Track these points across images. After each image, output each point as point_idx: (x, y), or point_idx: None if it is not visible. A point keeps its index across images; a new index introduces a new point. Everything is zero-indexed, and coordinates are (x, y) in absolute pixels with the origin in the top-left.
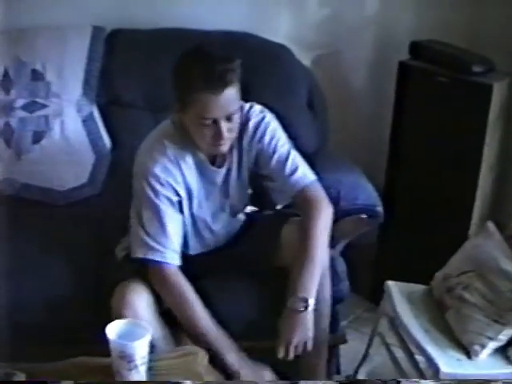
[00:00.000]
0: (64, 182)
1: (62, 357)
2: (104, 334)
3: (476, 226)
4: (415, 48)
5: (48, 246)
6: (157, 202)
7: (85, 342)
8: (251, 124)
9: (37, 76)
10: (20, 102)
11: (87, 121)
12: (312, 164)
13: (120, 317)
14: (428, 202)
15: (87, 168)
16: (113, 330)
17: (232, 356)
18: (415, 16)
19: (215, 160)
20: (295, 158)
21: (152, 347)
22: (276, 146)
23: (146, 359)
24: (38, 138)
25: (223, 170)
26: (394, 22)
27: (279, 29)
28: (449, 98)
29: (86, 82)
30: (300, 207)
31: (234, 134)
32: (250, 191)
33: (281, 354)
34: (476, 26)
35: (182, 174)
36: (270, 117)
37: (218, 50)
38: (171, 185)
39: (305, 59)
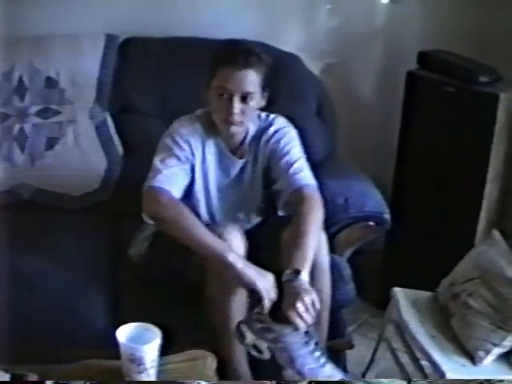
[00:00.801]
0: (77, 187)
1: (74, 359)
2: (115, 337)
3: (482, 233)
4: (423, 58)
5: (62, 250)
6: (174, 148)
7: (97, 344)
8: (273, 128)
9: (51, 83)
10: (34, 109)
11: (100, 127)
12: (320, 171)
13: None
14: (435, 210)
15: (100, 174)
16: (123, 333)
17: (234, 256)
18: (423, 26)
19: (235, 151)
20: (303, 164)
21: (162, 350)
22: (289, 150)
23: (155, 362)
24: (51, 143)
25: (240, 162)
26: (402, 32)
27: (290, 38)
28: (456, 108)
29: (99, 90)
30: (294, 205)
31: (247, 119)
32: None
33: (300, 325)
34: (483, 36)
35: (203, 149)
36: (291, 129)
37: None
38: (191, 145)
39: (314, 68)
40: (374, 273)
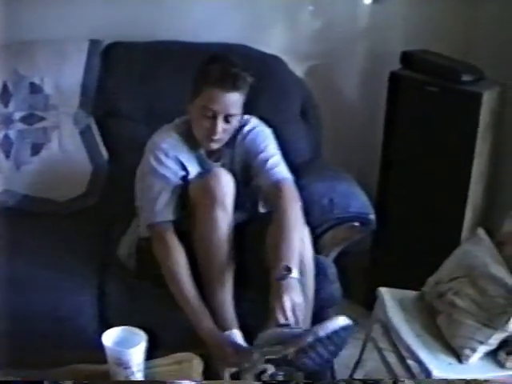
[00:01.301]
0: (63, 192)
1: (63, 363)
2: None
3: (467, 232)
4: (406, 58)
5: (49, 256)
6: (160, 170)
7: (86, 348)
8: (247, 127)
9: (35, 89)
10: (19, 115)
11: (85, 132)
12: (305, 172)
13: None
14: (420, 210)
15: (85, 179)
16: (109, 337)
17: (208, 325)
18: (406, 26)
19: (212, 155)
20: (279, 159)
21: (148, 354)
22: (265, 147)
23: (142, 366)
24: (36, 149)
25: (218, 165)
26: (385, 33)
27: (273, 40)
28: (439, 107)
29: (84, 95)
30: (272, 199)
31: (227, 137)
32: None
33: (281, 320)
34: (466, 36)
35: (188, 155)
36: (265, 127)
37: (241, 61)
38: (178, 159)
39: (298, 70)
40: (361, 273)
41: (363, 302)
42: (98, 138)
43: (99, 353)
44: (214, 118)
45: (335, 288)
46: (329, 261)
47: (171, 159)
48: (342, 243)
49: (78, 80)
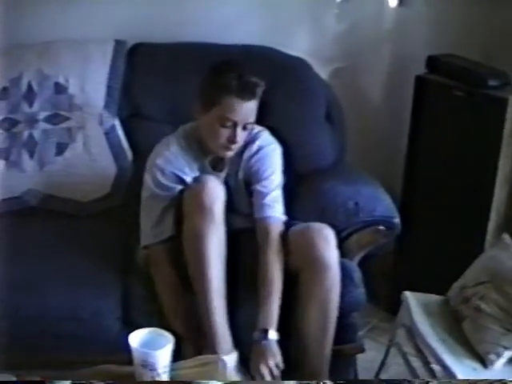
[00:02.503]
0: (86, 193)
1: (86, 365)
2: (127, 343)
3: (491, 237)
4: (432, 62)
5: (71, 257)
6: (156, 190)
7: (109, 350)
8: (257, 143)
9: (60, 89)
10: (43, 115)
11: (109, 133)
12: (330, 175)
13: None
14: (444, 214)
15: (109, 180)
16: (135, 338)
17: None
18: (431, 30)
19: (216, 165)
20: (278, 195)
21: (174, 356)
22: (269, 176)
23: (167, 368)
24: (60, 149)
25: (222, 175)
26: (410, 36)
27: (298, 42)
28: (465, 112)
29: (108, 95)
30: (258, 236)
31: (241, 144)
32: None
33: (258, 380)
34: (492, 40)
35: (190, 166)
36: (275, 147)
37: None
38: (175, 174)
39: (323, 72)
40: (384, 277)
41: (385, 306)
42: (123, 139)
43: (122, 354)
44: (234, 126)
45: (360, 292)
46: (354, 265)
47: (167, 176)
48: (366, 247)
49: (103, 80)
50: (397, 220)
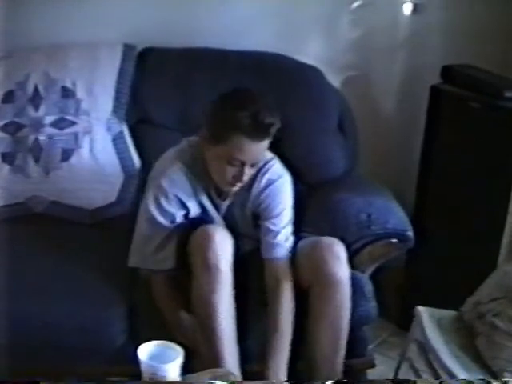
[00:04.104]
0: (92, 200)
1: (92, 376)
2: (136, 356)
3: (505, 251)
4: (447, 72)
5: (75, 265)
6: (158, 218)
7: (115, 361)
8: (266, 177)
9: (67, 93)
10: (49, 119)
11: (117, 139)
12: (342, 186)
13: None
14: (458, 227)
15: (116, 187)
16: (144, 351)
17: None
18: (446, 39)
19: (221, 193)
20: (288, 232)
21: (184, 369)
22: (280, 213)
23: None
24: (66, 155)
25: (225, 204)
26: (425, 45)
27: (310, 50)
28: (480, 123)
29: (116, 100)
30: (266, 278)
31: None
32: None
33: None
34: (508, 51)
35: (194, 191)
36: (285, 179)
37: (266, 99)
38: (179, 198)
39: (335, 81)
40: (394, 290)
41: (396, 320)
42: (131, 146)
43: (126, 366)
44: (241, 165)
45: (371, 306)
46: (366, 278)
47: (170, 200)
48: (378, 260)
49: (112, 85)
50: (410, 233)
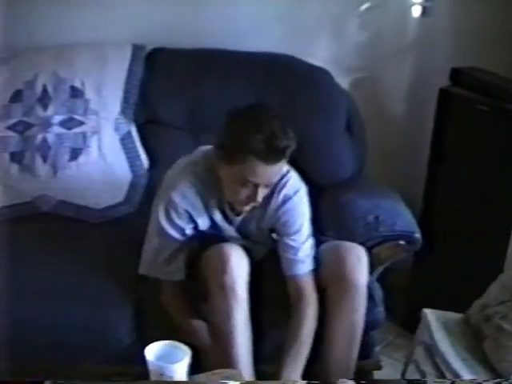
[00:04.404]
0: (100, 200)
1: (99, 376)
2: (143, 355)
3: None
4: (455, 74)
5: (83, 265)
6: (168, 231)
7: (122, 361)
8: (283, 192)
9: (75, 93)
10: (57, 118)
11: (125, 139)
12: (350, 188)
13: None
14: (464, 230)
15: (124, 187)
16: (151, 351)
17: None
18: (455, 41)
19: (234, 208)
20: (308, 248)
21: (191, 369)
22: (299, 230)
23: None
24: (74, 154)
25: (239, 218)
26: (433, 47)
27: (319, 52)
28: (488, 126)
29: (125, 101)
30: (289, 291)
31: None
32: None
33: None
34: None
35: (205, 207)
36: (302, 193)
37: (281, 117)
38: (189, 212)
39: (343, 83)
40: (400, 292)
41: (402, 322)
42: (139, 146)
43: (134, 366)
44: (255, 187)
45: (379, 311)
46: (375, 283)
47: (180, 214)
48: (386, 262)
49: (120, 85)
50: (417, 235)
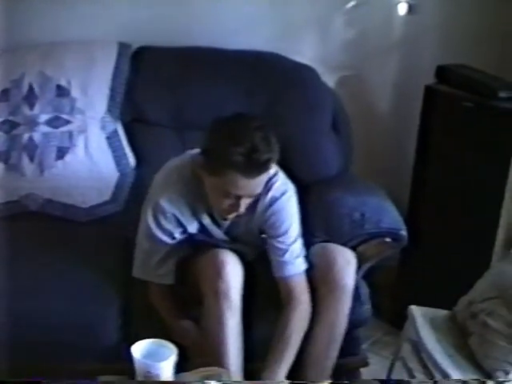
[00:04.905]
0: (87, 198)
1: (85, 374)
2: (129, 353)
3: (499, 251)
4: (441, 72)
5: (70, 263)
6: (158, 235)
7: (108, 359)
8: (270, 195)
9: (61, 92)
10: (44, 117)
11: (111, 138)
12: (336, 185)
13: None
14: (451, 227)
15: (110, 185)
16: (138, 349)
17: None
18: (441, 39)
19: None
20: (297, 248)
21: (177, 368)
22: (287, 230)
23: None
24: (61, 153)
25: (228, 222)
26: (419, 45)
27: (305, 50)
28: (474, 123)
29: (111, 99)
30: (281, 293)
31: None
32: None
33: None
34: (502, 51)
35: (192, 211)
36: (289, 194)
37: (264, 128)
38: (177, 217)
39: (329, 81)
40: (388, 290)
41: (389, 319)
42: (125, 144)
43: (121, 364)
44: (238, 198)
45: (366, 309)
46: (361, 281)
47: (169, 219)
48: (372, 259)
49: (107, 84)
50: (403, 232)
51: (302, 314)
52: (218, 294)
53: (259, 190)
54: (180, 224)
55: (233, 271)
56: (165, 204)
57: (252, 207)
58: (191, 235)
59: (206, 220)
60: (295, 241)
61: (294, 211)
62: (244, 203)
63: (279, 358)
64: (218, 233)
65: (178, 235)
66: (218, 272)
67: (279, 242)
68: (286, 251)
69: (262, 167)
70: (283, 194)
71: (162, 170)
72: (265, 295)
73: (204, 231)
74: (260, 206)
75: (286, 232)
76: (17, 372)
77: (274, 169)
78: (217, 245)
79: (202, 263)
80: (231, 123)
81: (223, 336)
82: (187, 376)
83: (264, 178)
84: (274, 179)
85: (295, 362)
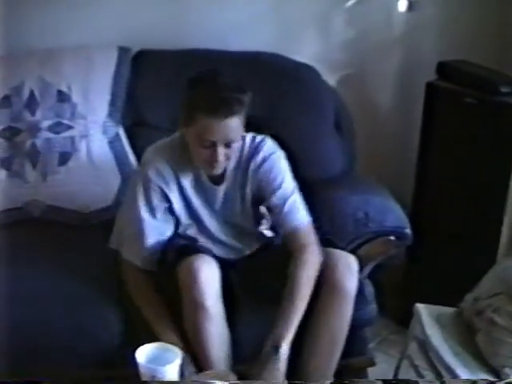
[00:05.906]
0: (90, 203)
1: (88, 379)
2: (133, 358)
3: (504, 248)
4: (442, 68)
5: (74, 268)
6: (142, 206)
7: (114, 365)
8: (260, 155)
9: (62, 97)
10: (46, 123)
11: (113, 142)
12: (340, 184)
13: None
14: (455, 224)
15: (113, 190)
16: (142, 353)
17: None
18: (441, 35)
19: (214, 177)
20: (296, 199)
21: (181, 371)
22: (281, 184)
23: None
24: (63, 159)
25: (222, 188)
26: (420, 42)
27: (306, 49)
28: (476, 119)
29: (112, 104)
30: (289, 247)
31: (231, 160)
32: (263, 210)
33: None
34: (503, 47)
35: (179, 183)
36: (279, 154)
37: (232, 78)
38: (162, 190)
39: (331, 79)
40: (394, 288)
41: (395, 318)
42: (127, 148)
43: (122, 369)
44: (214, 147)
45: (371, 308)
46: (367, 281)
47: (156, 192)
48: (376, 258)
49: (107, 88)
50: (408, 230)
51: (311, 265)
52: (193, 303)
53: (233, 135)
54: (166, 198)
55: (208, 279)
56: (152, 175)
57: (245, 168)
58: (183, 236)
59: (191, 190)
60: (293, 193)
61: (285, 168)
62: (222, 151)
63: (288, 319)
64: (209, 219)
65: (160, 213)
66: (192, 280)
67: (277, 197)
68: (284, 204)
69: (229, 106)
70: (272, 154)
71: (152, 145)
72: (263, 291)
73: (194, 216)
74: (252, 166)
75: (280, 185)
76: (17, 377)
77: (261, 136)
78: (202, 248)
79: (180, 270)
80: (197, 75)
81: (205, 344)
82: (194, 378)
83: (236, 122)
84: (262, 143)
85: (295, 364)
